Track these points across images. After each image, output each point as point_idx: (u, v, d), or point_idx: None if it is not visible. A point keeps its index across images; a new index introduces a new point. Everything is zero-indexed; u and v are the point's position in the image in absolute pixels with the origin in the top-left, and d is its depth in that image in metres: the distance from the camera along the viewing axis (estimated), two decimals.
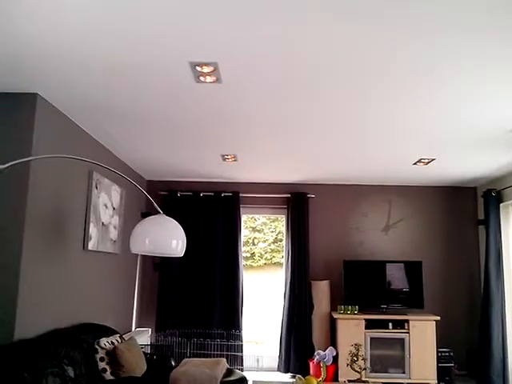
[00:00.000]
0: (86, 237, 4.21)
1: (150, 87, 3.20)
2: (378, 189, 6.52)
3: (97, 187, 4.40)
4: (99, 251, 4.56)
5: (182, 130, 4.16)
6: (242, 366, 6.00)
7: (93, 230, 4.33)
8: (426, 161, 5.06)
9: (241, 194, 6.38)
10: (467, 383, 5.80)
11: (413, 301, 5.98)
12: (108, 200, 4.72)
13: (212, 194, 6.35)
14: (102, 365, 3.55)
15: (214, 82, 3.06)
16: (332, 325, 5.98)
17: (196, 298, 6.15)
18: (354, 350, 4.57)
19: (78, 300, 4.15)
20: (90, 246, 4.28)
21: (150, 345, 5.64)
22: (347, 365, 4.62)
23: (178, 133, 4.27)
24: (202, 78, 3.00)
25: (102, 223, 4.58)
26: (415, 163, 5.19)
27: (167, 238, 3.44)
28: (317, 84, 3.08)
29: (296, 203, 6.31)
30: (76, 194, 4.03)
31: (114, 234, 4.93)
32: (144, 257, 6.27)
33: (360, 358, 4.55)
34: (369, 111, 3.59)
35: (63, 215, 3.79)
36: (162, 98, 3.40)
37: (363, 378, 4.33)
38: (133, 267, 5.96)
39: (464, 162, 5.09)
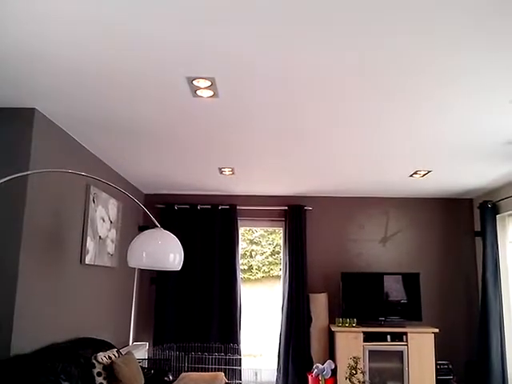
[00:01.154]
0: (83, 250, 4.20)
1: (146, 101, 3.23)
2: (375, 201, 6.55)
3: (94, 201, 4.41)
4: (96, 265, 4.55)
5: (179, 143, 4.19)
6: (241, 379, 5.96)
7: (90, 243, 4.33)
8: (423, 173, 5.09)
9: (238, 207, 6.38)
10: None
11: (411, 313, 5.97)
12: (105, 214, 4.72)
13: (209, 206, 6.36)
14: (99, 380, 3.52)
15: (211, 96, 3.08)
16: (330, 338, 5.96)
17: (194, 312, 6.13)
18: (352, 363, 4.56)
19: (75, 314, 4.14)
20: (87, 259, 4.28)
21: (148, 359, 5.61)
22: (346, 378, 4.61)
23: (176, 147, 4.29)
24: (199, 93, 3.03)
25: (100, 237, 4.58)
26: (411, 175, 5.22)
27: (164, 251, 3.44)
28: (316, 96, 3.10)
29: (293, 216, 6.32)
30: (73, 207, 4.04)
31: (111, 247, 4.93)
32: (141, 270, 6.26)
33: (359, 371, 4.54)
34: (366, 124, 3.62)
35: (60, 229, 3.79)
36: (159, 112, 3.42)
37: None
38: (130, 281, 5.94)
39: (460, 173, 5.12)
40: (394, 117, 3.44)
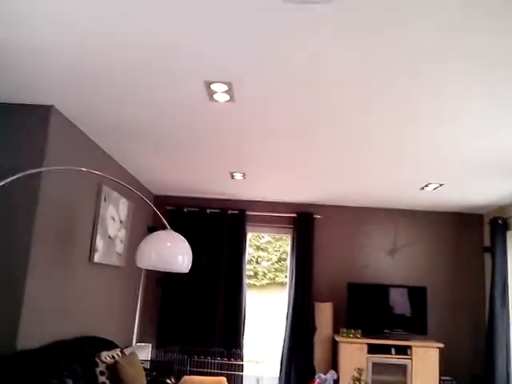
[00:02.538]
0: (92, 249, 4.22)
1: (164, 105, 3.24)
2: (384, 212, 6.52)
3: (105, 200, 4.43)
4: (105, 264, 4.57)
5: (193, 147, 4.19)
6: None
7: (99, 242, 4.35)
8: (434, 186, 5.06)
9: (247, 212, 6.38)
10: None
11: (416, 326, 5.92)
12: (116, 213, 4.74)
13: (219, 211, 6.36)
14: (101, 379, 3.52)
15: (227, 101, 3.09)
16: (334, 348, 5.92)
17: (198, 315, 6.12)
18: (356, 375, 4.52)
19: (82, 312, 4.15)
20: (96, 258, 4.29)
21: (151, 361, 5.61)
22: None
23: (189, 150, 4.29)
24: (215, 97, 3.04)
25: (109, 236, 4.60)
26: (423, 188, 5.19)
27: (174, 253, 3.45)
28: (330, 104, 3.10)
29: (302, 223, 6.30)
30: (85, 206, 4.06)
31: (119, 247, 4.94)
32: (148, 271, 6.26)
33: (362, 383, 4.50)
34: (379, 135, 3.61)
35: (71, 227, 3.81)
36: (175, 115, 3.43)
37: None
38: (136, 281, 5.95)
39: (472, 188, 5.09)
40: (410, 129, 3.43)
